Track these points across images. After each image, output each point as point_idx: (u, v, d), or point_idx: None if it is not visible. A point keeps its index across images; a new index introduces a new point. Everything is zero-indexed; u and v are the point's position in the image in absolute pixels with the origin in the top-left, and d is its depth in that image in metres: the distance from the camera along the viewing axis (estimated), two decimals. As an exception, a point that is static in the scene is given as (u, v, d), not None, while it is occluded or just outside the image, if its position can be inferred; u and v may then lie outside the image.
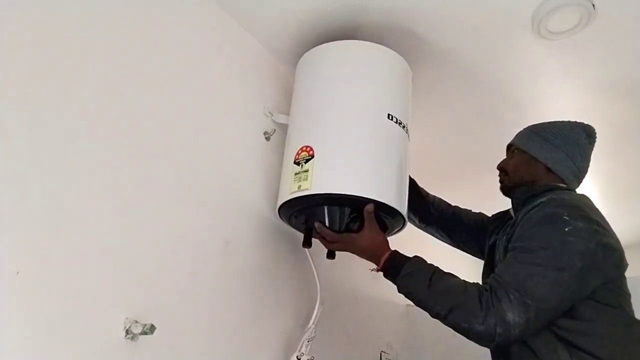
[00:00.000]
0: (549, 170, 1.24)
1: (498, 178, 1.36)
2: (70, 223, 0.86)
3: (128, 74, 1.05)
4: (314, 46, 1.40)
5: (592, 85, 1.68)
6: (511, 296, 0.99)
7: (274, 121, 1.45)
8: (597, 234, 1.06)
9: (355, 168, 1.19)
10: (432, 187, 1.63)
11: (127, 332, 0.89)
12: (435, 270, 1.13)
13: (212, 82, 1.30)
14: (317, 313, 1.34)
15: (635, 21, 1.39)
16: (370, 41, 1.36)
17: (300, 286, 1.43)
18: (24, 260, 0.77)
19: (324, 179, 1.18)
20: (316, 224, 1.24)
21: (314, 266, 1.37)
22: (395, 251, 1.20)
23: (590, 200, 1.18)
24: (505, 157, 1.37)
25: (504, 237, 1.22)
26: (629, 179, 2.33)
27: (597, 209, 1.15)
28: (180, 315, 1.03)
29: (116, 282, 0.91)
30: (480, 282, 1.25)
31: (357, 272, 1.75)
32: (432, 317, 1.09)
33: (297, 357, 1.25)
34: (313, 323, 1.32)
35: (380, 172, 1.22)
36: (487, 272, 1.28)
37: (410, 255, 1.18)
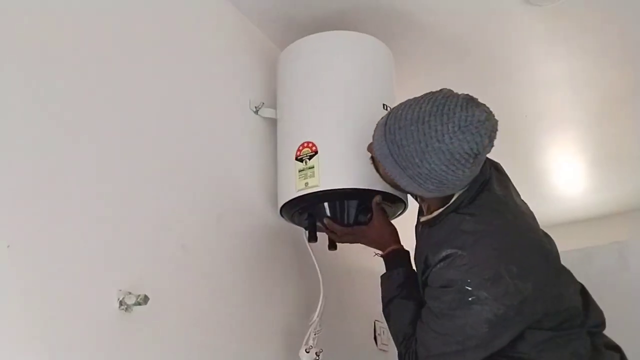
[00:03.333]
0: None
1: None
2: (62, 196, 0.86)
3: (115, 61, 1.04)
4: (292, 30, 1.38)
5: (582, 52, 1.67)
6: None
7: (261, 115, 1.43)
8: (506, 296, 0.94)
9: (360, 161, 1.19)
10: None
11: (121, 303, 0.89)
12: (396, 296, 1.15)
13: (198, 55, 1.29)
14: (321, 305, 1.33)
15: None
16: (351, 19, 1.35)
17: (293, 263, 1.44)
18: (15, 233, 0.77)
19: (331, 175, 1.19)
20: (326, 221, 1.25)
21: (314, 257, 1.37)
22: (395, 250, 1.21)
23: (499, 216, 1.03)
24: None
25: (417, 242, 1.19)
26: (619, 146, 2.33)
27: (506, 234, 1.01)
28: (174, 287, 1.04)
29: (109, 253, 0.92)
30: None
31: (349, 245, 1.77)
32: None
33: (305, 350, 1.25)
34: (318, 316, 1.32)
35: None
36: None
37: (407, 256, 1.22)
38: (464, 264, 0.98)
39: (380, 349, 1.87)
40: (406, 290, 1.15)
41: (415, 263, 1.18)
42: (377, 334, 1.87)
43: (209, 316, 1.12)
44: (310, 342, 1.27)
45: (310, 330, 1.29)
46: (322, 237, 1.32)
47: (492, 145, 0.96)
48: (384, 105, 1.27)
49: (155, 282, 0.99)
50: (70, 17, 0.96)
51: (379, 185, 1.18)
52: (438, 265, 1.02)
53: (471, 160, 0.94)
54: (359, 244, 1.29)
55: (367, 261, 1.88)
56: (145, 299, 0.90)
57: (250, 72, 1.48)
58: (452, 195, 1.05)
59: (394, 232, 1.24)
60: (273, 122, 1.43)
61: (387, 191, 1.20)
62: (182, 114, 1.19)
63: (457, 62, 1.70)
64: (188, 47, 1.26)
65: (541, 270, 1.00)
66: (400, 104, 1.03)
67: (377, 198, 1.21)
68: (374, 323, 1.88)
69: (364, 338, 1.83)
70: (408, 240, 1.25)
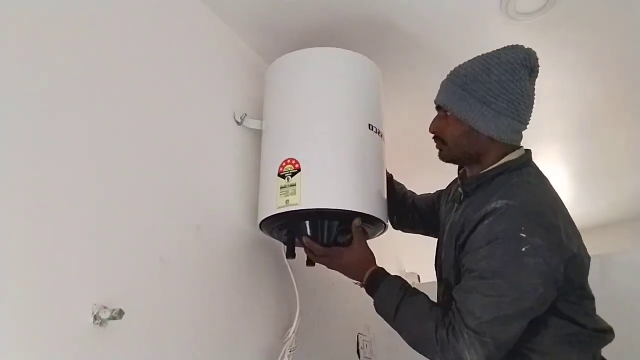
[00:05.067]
0: (492, 139, 1.09)
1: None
2: (37, 208, 0.84)
3: (97, 71, 1.02)
4: (278, 43, 1.37)
5: (564, 67, 1.69)
6: (466, 336, 0.95)
7: (246, 127, 1.42)
8: (560, 247, 0.95)
9: (343, 182, 1.20)
10: (408, 169, 1.64)
11: (96, 317, 0.87)
12: (404, 297, 1.09)
13: (182, 66, 1.28)
14: (297, 322, 1.33)
15: (601, 1, 1.40)
16: (338, 33, 1.35)
17: (273, 277, 1.42)
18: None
19: (313, 194, 1.18)
20: (305, 240, 1.23)
21: (292, 271, 1.37)
22: (378, 269, 1.19)
23: (550, 184, 1.09)
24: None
25: (450, 220, 1.17)
26: (600, 160, 2.36)
27: (559, 200, 1.06)
28: (151, 301, 1.02)
29: (84, 266, 0.90)
30: (435, 264, 1.24)
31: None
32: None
33: None
34: (293, 333, 1.31)
35: (366, 185, 1.23)
36: (441, 257, 1.21)
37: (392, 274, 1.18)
38: (517, 213, 0.97)
39: (364, 363, 1.85)
40: (411, 290, 1.11)
41: (441, 247, 1.19)
42: (360, 348, 1.85)
43: (185, 331, 1.10)
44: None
45: (285, 347, 1.28)
46: (302, 251, 1.30)
47: (538, 70, 1.11)
48: (370, 125, 1.27)
49: (132, 296, 0.97)
50: (56, 25, 0.94)
51: (360, 207, 1.19)
52: (486, 221, 0.99)
53: (528, 73, 1.07)
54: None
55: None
56: (121, 313, 0.89)
57: (235, 84, 1.47)
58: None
59: (372, 257, 1.22)
60: (258, 134, 1.42)
61: (368, 213, 1.20)
62: (164, 124, 1.17)
63: (440, 76, 1.71)
64: (172, 56, 1.25)
65: (582, 245, 1.02)
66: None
67: (357, 221, 1.20)
68: (357, 336, 1.87)
69: (347, 352, 1.81)
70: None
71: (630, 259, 1.90)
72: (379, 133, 1.30)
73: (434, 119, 1.18)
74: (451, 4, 1.41)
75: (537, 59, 1.10)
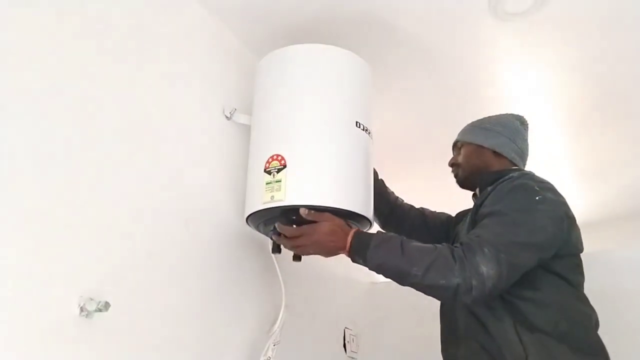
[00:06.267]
0: (496, 154, 1.36)
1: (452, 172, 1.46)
2: (22, 200, 0.84)
3: (85, 63, 1.02)
4: (269, 37, 1.38)
5: (551, 67, 1.71)
6: (485, 250, 1.03)
7: (235, 121, 1.42)
8: (565, 205, 1.16)
9: (328, 179, 1.20)
10: (399, 172, 1.65)
11: (82, 309, 0.88)
12: (402, 237, 1.13)
13: (170, 59, 1.28)
14: (282, 316, 1.33)
15: (589, 1, 1.42)
16: (330, 29, 1.35)
17: (260, 271, 1.43)
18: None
19: (298, 190, 1.18)
20: (277, 224, 1.21)
21: (278, 266, 1.37)
22: (360, 230, 1.19)
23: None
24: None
25: (469, 216, 1.27)
26: (588, 160, 2.39)
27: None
28: (137, 293, 1.03)
29: (71, 258, 0.90)
30: None
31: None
32: (408, 284, 1.07)
33: None
34: (278, 327, 1.32)
35: (351, 182, 1.24)
36: None
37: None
38: (529, 178, 1.21)
39: (350, 357, 1.87)
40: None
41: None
42: (346, 341, 1.87)
43: (171, 323, 1.11)
44: (270, 353, 1.27)
45: (269, 341, 1.29)
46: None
47: (527, 124, 1.44)
48: (357, 122, 1.28)
49: (118, 288, 0.98)
50: (41, 19, 0.94)
51: (345, 203, 1.19)
52: (501, 185, 1.20)
53: (520, 122, 1.41)
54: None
55: (337, 268, 1.89)
56: (107, 305, 0.90)
57: (225, 78, 1.48)
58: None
59: (346, 223, 1.19)
60: (247, 129, 1.42)
61: (352, 210, 1.20)
62: (152, 117, 1.18)
63: (429, 74, 1.73)
64: (161, 50, 1.25)
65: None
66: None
67: (303, 210, 1.17)
68: (344, 330, 1.88)
69: (333, 346, 1.83)
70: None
71: (614, 257, 1.92)
72: (366, 130, 1.31)
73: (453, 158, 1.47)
74: (440, 2, 1.42)
75: (527, 122, 1.44)
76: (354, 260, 1.16)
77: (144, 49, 1.20)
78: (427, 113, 1.95)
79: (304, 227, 1.17)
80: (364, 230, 1.21)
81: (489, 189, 1.23)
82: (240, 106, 1.45)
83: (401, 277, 1.08)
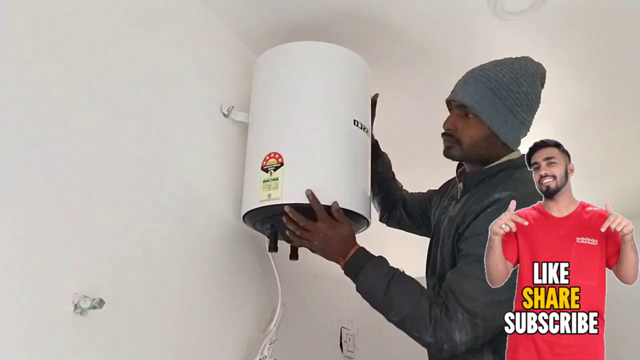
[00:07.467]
0: (505, 145, 1.16)
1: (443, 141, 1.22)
2: (17, 196, 0.84)
3: (79, 60, 1.02)
4: (267, 35, 1.37)
5: (550, 66, 1.70)
6: (459, 316, 0.98)
7: (232, 119, 1.41)
8: None
9: (325, 177, 1.19)
10: (399, 172, 1.64)
11: (76, 306, 0.88)
12: (395, 274, 1.10)
13: (167, 56, 1.27)
14: (278, 315, 1.32)
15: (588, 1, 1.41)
16: (329, 26, 1.34)
17: (256, 269, 1.43)
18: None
19: (295, 188, 1.17)
20: (287, 209, 1.17)
21: (274, 264, 1.36)
22: (363, 248, 1.17)
23: None
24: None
25: (448, 215, 1.19)
26: (586, 159, 2.39)
27: None
28: (133, 291, 1.02)
29: (65, 255, 0.90)
30: (427, 261, 1.25)
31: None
32: (387, 320, 1.08)
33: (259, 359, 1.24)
34: (275, 325, 1.31)
35: (349, 180, 1.23)
36: (433, 252, 1.24)
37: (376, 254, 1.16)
38: (519, 203, 0.96)
39: (347, 356, 1.86)
40: (399, 270, 1.11)
41: (437, 241, 1.20)
42: (343, 341, 1.87)
43: (166, 322, 1.10)
44: (265, 352, 1.26)
45: (265, 340, 1.28)
46: (285, 244, 1.30)
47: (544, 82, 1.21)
48: (355, 120, 1.27)
49: (113, 285, 0.97)
50: (38, 18, 0.94)
51: (342, 202, 1.18)
52: (489, 209, 1.04)
53: (540, 81, 1.18)
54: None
55: (334, 267, 1.88)
56: (101, 302, 0.89)
57: (223, 76, 1.47)
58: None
59: (355, 236, 1.20)
60: (245, 126, 1.42)
61: (350, 209, 1.20)
62: (149, 114, 1.17)
63: (427, 73, 1.73)
64: (158, 47, 1.24)
65: None
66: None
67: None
68: (340, 330, 1.88)
69: (330, 345, 1.82)
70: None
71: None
72: (364, 129, 1.30)
73: (450, 116, 1.20)
74: (440, 2, 1.41)
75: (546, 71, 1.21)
76: (345, 274, 1.16)
77: (141, 46, 1.19)
78: (427, 113, 1.94)
79: (320, 223, 1.15)
80: (364, 248, 1.18)
81: (470, 196, 1.14)
82: (238, 103, 1.44)
83: (381, 313, 1.09)
